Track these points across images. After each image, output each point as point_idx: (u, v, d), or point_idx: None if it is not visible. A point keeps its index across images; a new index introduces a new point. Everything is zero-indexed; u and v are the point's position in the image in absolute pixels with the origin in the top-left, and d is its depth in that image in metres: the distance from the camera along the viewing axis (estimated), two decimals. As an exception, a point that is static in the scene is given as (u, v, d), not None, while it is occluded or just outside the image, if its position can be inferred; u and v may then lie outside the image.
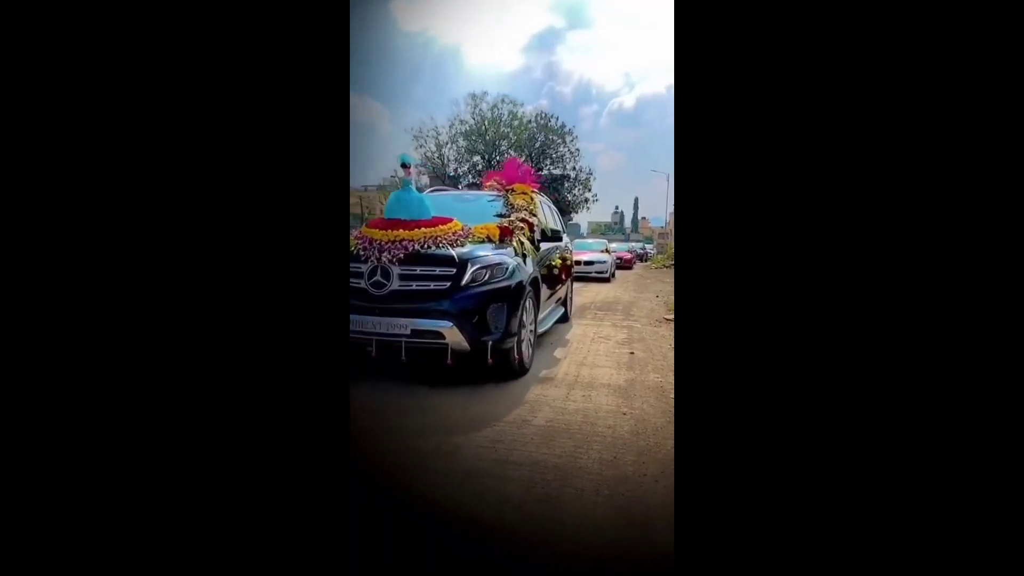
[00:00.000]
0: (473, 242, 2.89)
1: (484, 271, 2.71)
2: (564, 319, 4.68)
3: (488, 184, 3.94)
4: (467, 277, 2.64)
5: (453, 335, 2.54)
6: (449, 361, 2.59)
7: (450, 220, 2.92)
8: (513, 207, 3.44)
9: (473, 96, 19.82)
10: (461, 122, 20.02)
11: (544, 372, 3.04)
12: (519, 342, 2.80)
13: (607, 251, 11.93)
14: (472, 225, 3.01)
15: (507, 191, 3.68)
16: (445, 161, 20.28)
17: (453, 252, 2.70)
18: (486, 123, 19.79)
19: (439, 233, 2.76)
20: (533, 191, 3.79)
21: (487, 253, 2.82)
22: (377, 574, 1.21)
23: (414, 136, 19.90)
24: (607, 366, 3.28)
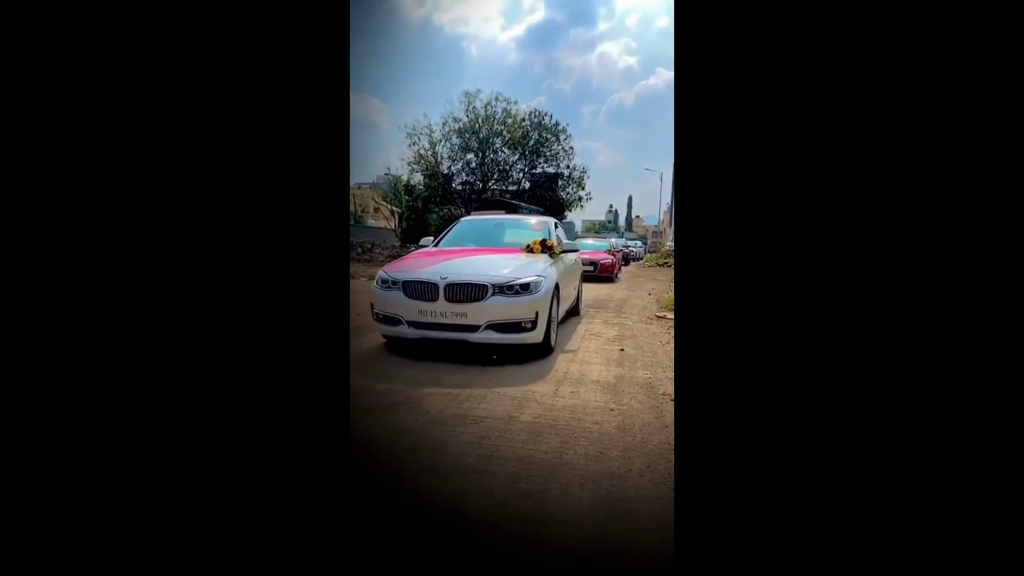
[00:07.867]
0: None
1: None
2: None
3: None
4: None
5: None
6: None
7: None
8: None
9: (467, 93, 19.66)
10: (455, 119, 19.89)
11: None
12: None
13: (545, 247, 3.86)
14: None
15: None
16: (439, 159, 20.14)
17: None
18: (480, 120, 19.68)
19: None
20: None
21: None
22: (360, 569, 1.20)
23: (407, 134, 19.74)
24: (597, 363, 3.28)
